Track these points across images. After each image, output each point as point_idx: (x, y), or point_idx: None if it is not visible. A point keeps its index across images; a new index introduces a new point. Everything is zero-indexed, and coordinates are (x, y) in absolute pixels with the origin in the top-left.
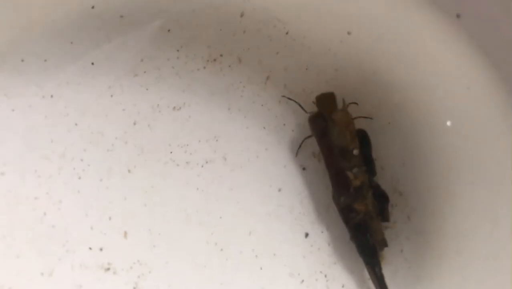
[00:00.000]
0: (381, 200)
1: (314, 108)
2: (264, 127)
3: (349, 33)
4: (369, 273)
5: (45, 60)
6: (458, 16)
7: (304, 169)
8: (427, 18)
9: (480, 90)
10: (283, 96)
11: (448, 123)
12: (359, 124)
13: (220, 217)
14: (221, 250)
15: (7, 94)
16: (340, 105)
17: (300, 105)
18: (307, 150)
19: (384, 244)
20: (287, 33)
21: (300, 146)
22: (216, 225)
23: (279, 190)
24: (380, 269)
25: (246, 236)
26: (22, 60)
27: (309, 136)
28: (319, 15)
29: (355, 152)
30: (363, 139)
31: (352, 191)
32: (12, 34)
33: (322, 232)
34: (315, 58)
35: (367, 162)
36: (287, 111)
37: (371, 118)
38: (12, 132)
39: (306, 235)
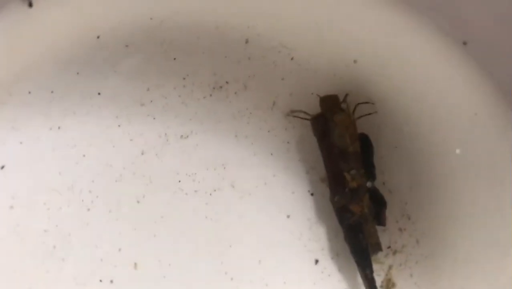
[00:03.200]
0: (378, 204)
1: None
2: (272, 154)
3: (355, 61)
4: (361, 275)
5: (52, 92)
6: (464, 43)
7: (312, 194)
8: (434, 45)
9: (487, 116)
10: (289, 114)
11: (457, 151)
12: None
13: (230, 246)
14: (231, 279)
15: (14, 127)
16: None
17: (305, 112)
18: (314, 175)
19: (379, 248)
20: (292, 58)
21: (294, 115)
22: (225, 254)
23: (288, 216)
24: (371, 272)
25: (256, 264)
26: (29, 92)
27: (305, 119)
28: (324, 41)
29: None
30: (365, 143)
31: (347, 191)
32: (18, 66)
33: (332, 258)
34: (320, 83)
35: (367, 166)
36: (294, 137)
37: (375, 112)
38: (20, 165)
39: (316, 261)
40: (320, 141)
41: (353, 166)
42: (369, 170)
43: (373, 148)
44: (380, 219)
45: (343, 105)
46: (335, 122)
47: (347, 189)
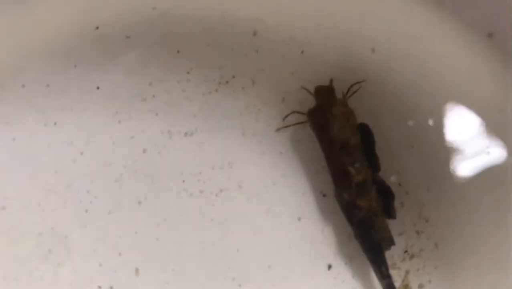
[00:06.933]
0: (386, 196)
1: None
2: (281, 152)
3: (373, 50)
4: (375, 272)
5: (48, 86)
6: (490, 35)
7: (324, 195)
8: (457, 37)
9: None
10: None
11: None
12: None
13: (237, 250)
14: (239, 285)
15: (7, 122)
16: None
17: (298, 112)
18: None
19: (391, 242)
20: (302, 52)
21: (286, 127)
22: (233, 259)
23: (299, 219)
24: (387, 268)
25: (265, 269)
26: (23, 86)
27: (300, 123)
28: (337, 34)
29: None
30: (365, 133)
31: (354, 186)
32: (12, 59)
33: (345, 263)
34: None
35: (370, 157)
36: (304, 135)
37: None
38: (13, 163)
39: (329, 267)
40: (319, 135)
41: (356, 158)
42: (372, 161)
43: (373, 137)
44: (389, 212)
45: (340, 96)
46: (334, 115)
47: (353, 184)
